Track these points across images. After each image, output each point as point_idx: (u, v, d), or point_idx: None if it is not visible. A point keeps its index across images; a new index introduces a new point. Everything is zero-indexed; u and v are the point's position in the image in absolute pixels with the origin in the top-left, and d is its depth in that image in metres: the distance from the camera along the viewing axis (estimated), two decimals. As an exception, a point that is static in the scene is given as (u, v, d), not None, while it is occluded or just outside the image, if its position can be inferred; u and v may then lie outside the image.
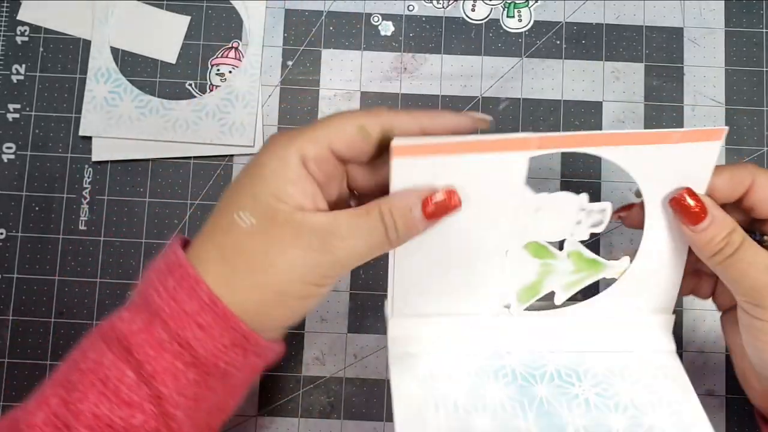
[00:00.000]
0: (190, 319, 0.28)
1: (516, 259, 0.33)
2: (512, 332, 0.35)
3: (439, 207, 0.29)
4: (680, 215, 0.31)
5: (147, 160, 0.45)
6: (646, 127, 0.46)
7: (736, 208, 0.33)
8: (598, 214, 0.33)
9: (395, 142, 0.28)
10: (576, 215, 0.33)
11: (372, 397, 0.43)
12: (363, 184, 0.32)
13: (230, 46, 0.47)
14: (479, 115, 0.32)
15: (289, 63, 0.46)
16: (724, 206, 0.32)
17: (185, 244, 0.31)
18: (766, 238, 0.32)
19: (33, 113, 0.46)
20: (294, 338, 0.43)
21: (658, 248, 0.34)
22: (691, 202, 0.30)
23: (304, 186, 0.29)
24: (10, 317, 0.44)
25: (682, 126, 0.46)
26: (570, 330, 0.35)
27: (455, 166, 0.30)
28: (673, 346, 0.35)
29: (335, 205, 0.31)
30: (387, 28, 0.47)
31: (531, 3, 0.47)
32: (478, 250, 0.33)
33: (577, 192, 0.33)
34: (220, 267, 0.29)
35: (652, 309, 0.35)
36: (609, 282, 0.35)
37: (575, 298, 0.35)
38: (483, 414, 0.31)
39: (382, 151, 0.30)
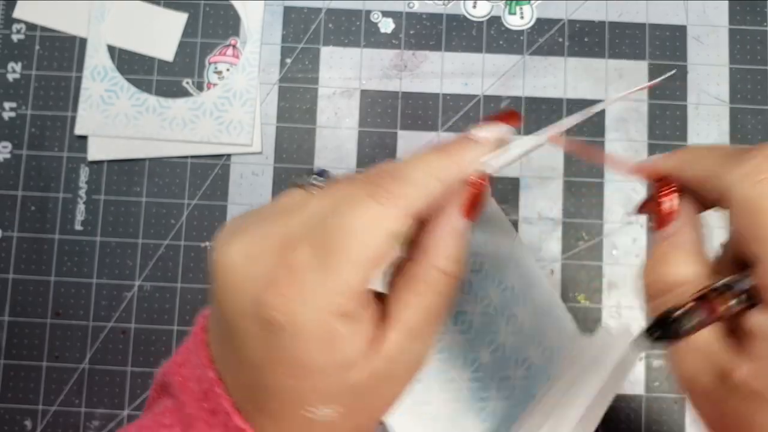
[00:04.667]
0: None
1: None
2: None
3: (478, 196, 0.24)
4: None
5: (144, 160, 0.45)
6: (649, 126, 0.45)
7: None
8: None
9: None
10: None
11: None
12: None
13: (228, 43, 0.46)
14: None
15: (288, 60, 0.46)
16: None
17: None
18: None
19: (29, 112, 0.45)
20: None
21: None
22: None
23: (356, 330, 0.21)
24: (6, 318, 0.44)
25: (686, 124, 0.45)
26: None
27: None
28: None
29: None
30: (387, 25, 0.46)
31: (533, 0, 0.46)
32: None
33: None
34: None
35: None
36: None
37: None
38: None
39: None
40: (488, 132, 0.24)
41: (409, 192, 0.22)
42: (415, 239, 0.24)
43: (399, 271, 0.23)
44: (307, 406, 0.21)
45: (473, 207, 0.23)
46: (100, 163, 0.45)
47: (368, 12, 0.46)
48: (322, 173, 0.23)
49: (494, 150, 0.25)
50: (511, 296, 0.34)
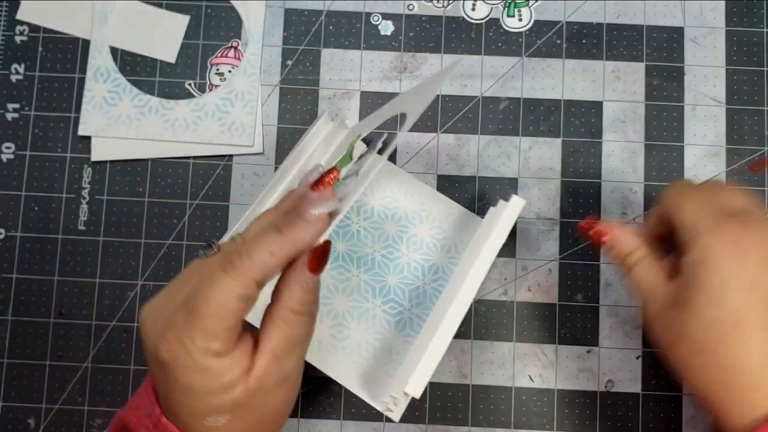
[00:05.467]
0: None
1: None
2: None
3: (319, 256, 0.32)
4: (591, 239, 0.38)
5: (146, 160, 0.45)
6: (646, 127, 0.46)
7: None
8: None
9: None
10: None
11: (372, 398, 0.43)
12: None
13: (230, 45, 0.46)
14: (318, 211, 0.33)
15: (289, 62, 0.46)
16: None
17: None
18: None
19: (32, 113, 0.46)
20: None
21: None
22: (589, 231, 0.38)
23: (231, 363, 0.30)
24: (9, 317, 0.44)
25: (682, 125, 0.46)
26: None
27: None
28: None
29: None
30: (387, 28, 0.47)
31: (531, 2, 0.47)
32: None
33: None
34: None
35: None
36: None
37: None
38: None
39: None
40: (318, 210, 0.31)
41: (250, 267, 0.29)
42: (278, 286, 0.32)
43: (268, 311, 0.32)
44: (207, 417, 0.30)
45: (316, 263, 0.31)
46: (103, 163, 0.45)
47: (368, 14, 0.47)
48: (209, 245, 0.31)
49: (326, 222, 0.32)
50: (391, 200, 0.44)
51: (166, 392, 0.30)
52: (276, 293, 0.32)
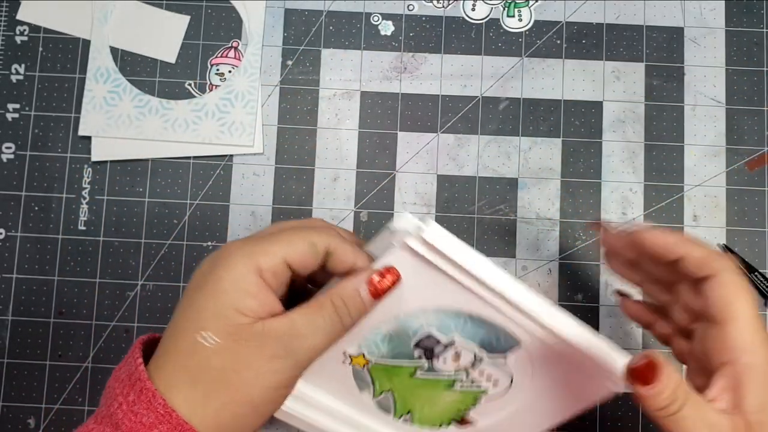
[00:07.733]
0: (147, 430, 0.29)
1: None
2: None
3: (382, 286, 0.32)
4: (633, 379, 0.30)
5: (146, 160, 0.45)
6: (646, 127, 0.46)
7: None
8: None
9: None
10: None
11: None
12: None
13: (230, 45, 0.47)
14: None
15: (289, 62, 0.46)
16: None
17: (150, 343, 0.32)
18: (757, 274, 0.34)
19: (32, 113, 0.46)
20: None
21: None
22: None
23: (263, 297, 0.30)
24: (10, 317, 0.44)
25: (682, 126, 0.46)
26: None
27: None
28: None
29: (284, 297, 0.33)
30: (387, 28, 0.47)
31: (531, 2, 0.47)
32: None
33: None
34: (191, 391, 0.30)
35: None
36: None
37: None
38: None
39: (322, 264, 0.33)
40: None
41: (275, 245, 0.31)
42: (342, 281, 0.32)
43: (316, 295, 0.32)
44: (201, 330, 0.30)
45: (375, 289, 0.32)
46: (103, 163, 0.45)
47: (368, 14, 0.47)
48: None
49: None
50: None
51: (197, 292, 0.30)
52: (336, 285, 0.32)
